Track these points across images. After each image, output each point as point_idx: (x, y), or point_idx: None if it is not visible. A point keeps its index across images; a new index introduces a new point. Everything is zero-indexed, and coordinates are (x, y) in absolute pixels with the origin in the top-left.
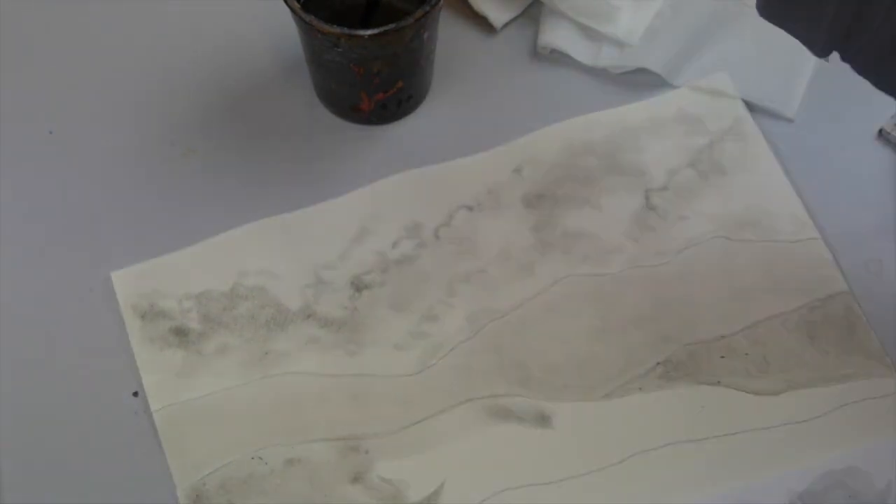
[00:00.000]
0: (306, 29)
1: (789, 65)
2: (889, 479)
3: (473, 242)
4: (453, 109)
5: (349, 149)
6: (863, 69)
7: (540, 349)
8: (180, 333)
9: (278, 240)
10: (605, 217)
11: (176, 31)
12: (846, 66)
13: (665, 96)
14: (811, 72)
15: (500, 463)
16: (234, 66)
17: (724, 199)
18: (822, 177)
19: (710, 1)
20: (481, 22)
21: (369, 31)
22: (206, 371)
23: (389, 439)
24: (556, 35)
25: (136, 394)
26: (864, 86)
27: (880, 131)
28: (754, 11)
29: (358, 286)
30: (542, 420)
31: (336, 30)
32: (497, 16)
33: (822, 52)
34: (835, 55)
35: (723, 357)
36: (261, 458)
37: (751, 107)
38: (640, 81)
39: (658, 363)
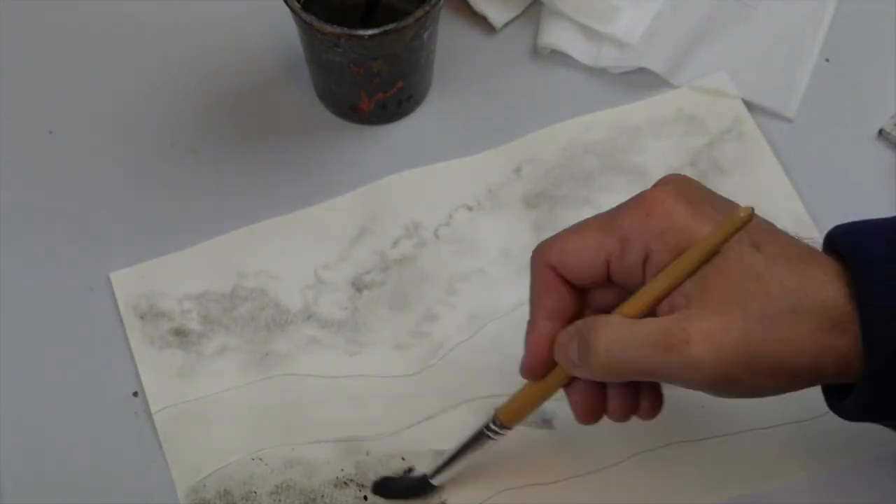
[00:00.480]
0: (306, 29)
1: (789, 64)
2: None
3: (473, 242)
4: (453, 109)
5: (349, 149)
6: None
7: None
8: (180, 334)
9: (278, 241)
10: None
11: (176, 32)
12: (845, 67)
13: (665, 96)
14: (810, 71)
15: (501, 463)
16: (234, 66)
17: None
18: (822, 177)
19: (710, 1)
20: (481, 22)
21: (369, 31)
22: (207, 372)
23: (390, 440)
24: (556, 35)
25: (135, 394)
26: (864, 86)
27: (880, 131)
28: (754, 11)
29: (358, 286)
30: (543, 420)
31: (336, 30)
32: (497, 16)
33: None
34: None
35: None
36: (261, 460)
37: (750, 106)
38: (640, 81)
39: None
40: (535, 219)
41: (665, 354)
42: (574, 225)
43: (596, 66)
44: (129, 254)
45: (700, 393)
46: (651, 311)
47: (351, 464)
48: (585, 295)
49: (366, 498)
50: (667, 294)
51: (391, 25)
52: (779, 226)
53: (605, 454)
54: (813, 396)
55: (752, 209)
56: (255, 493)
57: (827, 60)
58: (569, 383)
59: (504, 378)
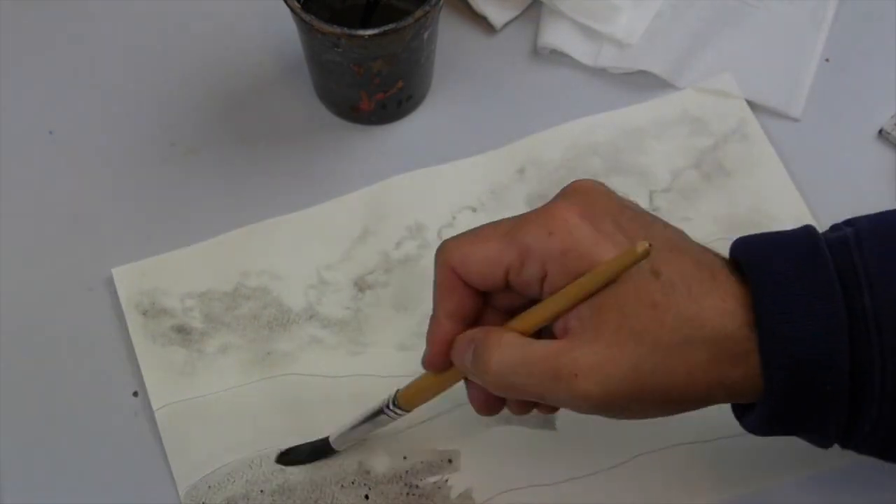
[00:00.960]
0: (306, 29)
1: (792, 64)
2: None
3: None
4: (453, 109)
5: (349, 149)
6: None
7: None
8: (182, 332)
9: (281, 240)
10: None
11: (176, 32)
12: (845, 67)
13: (669, 97)
14: (814, 70)
15: (502, 463)
16: (234, 66)
17: (728, 201)
18: (822, 177)
19: (711, 1)
20: (481, 22)
21: (369, 31)
22: (208, 370)
23: (392, 439)
24: (556, 35)
25: (135, 394)
26: (864, 86)
27: (880, 131)
28: (755, 11)
29: (361, 286)
30: (545, 421)
31: (336, 30)
32: (497, 16)
33: (826, 446)
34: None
35: None
36: (262, 458)
37: (754, 107)
38: (641, 82)
39: None
40: None
41: (553, 383)
42: (478, 229)
43: (596, 66)
44: (130, 254)
45: None
46: (545, 328)
47: (353, 463)
48: (487, 294)
49: (367, 497)
50: (560, 315)
51: (391, 25)
52: (782, 227)
53: (605, 455)
54: None
55: (650, 245)
56: (256, 492)
57: (827, 60)
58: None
59: None
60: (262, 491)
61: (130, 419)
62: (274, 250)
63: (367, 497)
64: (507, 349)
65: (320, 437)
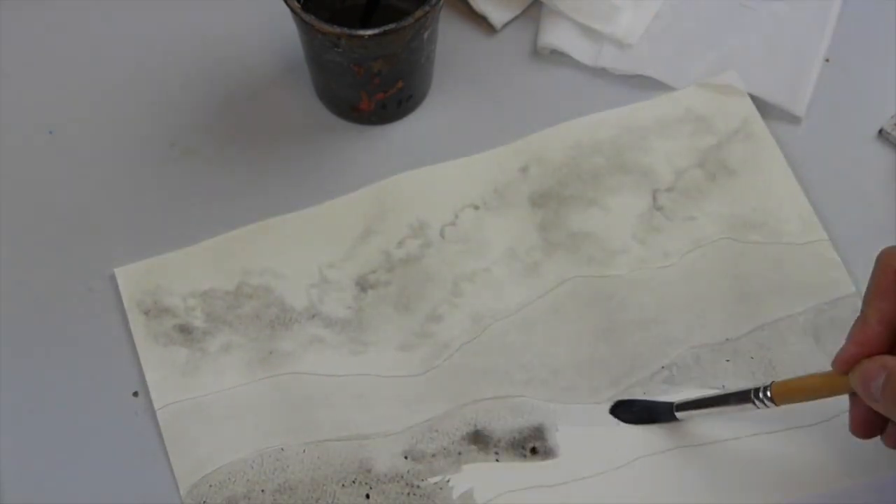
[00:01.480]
0: (306, 29)
1: (795, 62)
2: None
3: (479, 242)
4: (453, 109)
5: (349, 149)
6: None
7: (545, 350)
8: (184, 331)
9: (283, 239)
10: (611, 217)
11: (176, 32)
12: (845, 67)
13: (673, 95)
14: (818, 69)
15: (503, 464)
16: (234, 66)
17: (732, 200)
18: (822, 176)
19: (711, 2)
20: (481, 22)
21: (369, 31)
22: (210, 369)
23: (394, 439)
24: (556, 35)
25: (136, 394)
26: (863, 86)
27: (880, 131)
28: (755, 12)
29: (363, 286)
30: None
31: (336, 30)
32: (497, 16)
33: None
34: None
35: (728, 361)
36: (264, 458)
37: (759, 105)
38: (642, 82)
39: (663, 367)
40: (542, 218)
41: None
42: None
43: (596, 66)
44: (130, 254)
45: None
46: None
47: (354, 463)
48: None
49: (368, 496)
50: None
51: (391, 25)
52: (786, 227)
53: (607, 457)
54: (817, 404)
55: None
56: (257, 491)
57: (827, 60)
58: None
59: (509, 379)
60: (262, 490)
61: (131, 419)
62: (276, 249)
63: (367, 496)
64: None
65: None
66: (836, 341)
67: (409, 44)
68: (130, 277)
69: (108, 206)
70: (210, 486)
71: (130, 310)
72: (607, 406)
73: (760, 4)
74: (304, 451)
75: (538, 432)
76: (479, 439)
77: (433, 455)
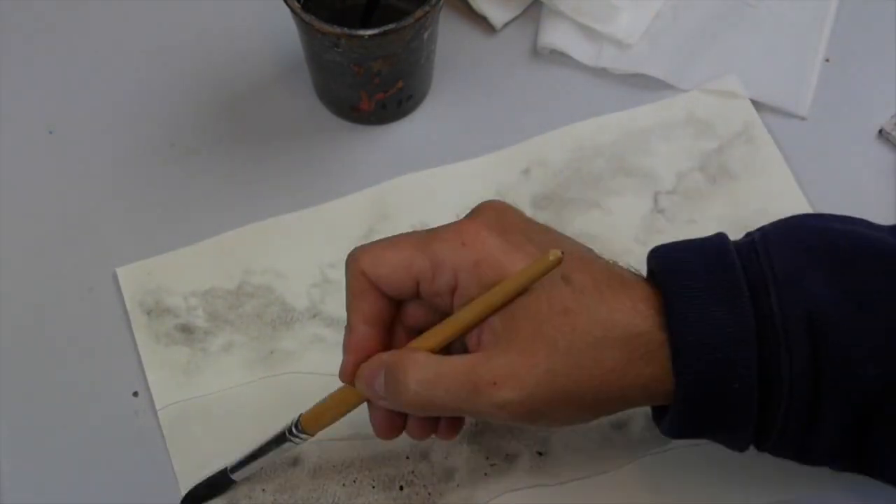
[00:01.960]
0: (306, 29)
1: (796, 62)
2: None
3: None
4: (453, 109)
5: (349, 149)
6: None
7: None
8: (186, 331)
9: (285, 238)
10: (613, 219)
11: (176, 32)
12: (845, 67)
13: (675, 100)
14: (818, 68)
15: (503, 465)
16: (234, 66)
17: (733, 204)
18: (822, 176)
19: (712, 1)
20: (481, 22)
21: (369, 31)
22: (212, 369)
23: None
24: (556, 35)
25: (135, 394)
26: (863, 86)
27: (880, 131)
28: (756, 11)
29: None
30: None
31: (336, 30)
32: (497, 16)
33: (742, 448)
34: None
35: None
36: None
37: (759, 107)
38: (642, 82)
39: None
40: (544, 221)
41: (472, 395)
42: (391, 237)
43: (596, 66)
44: (130, 253)
45: None
46: (457, 342)
47: (355, 462)
48: (397, 306)
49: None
50: (472, 326)
51: (391, 25)
52: None
53: (609, 457)
54: None
55: (562, 253)
56: (258, 490)
57: (827, 60)
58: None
59: None
60: (263, 490)
61: (131, 419)
62: (277, 249)
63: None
64: (423, 367)
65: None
66: None
67: (409, 44)
68: (132, 277)
69: (108, 206)
70: None
71: (132, 309)
72: None
73: (759, 3)
74: (304, 450)
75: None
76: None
77: (434, 455)
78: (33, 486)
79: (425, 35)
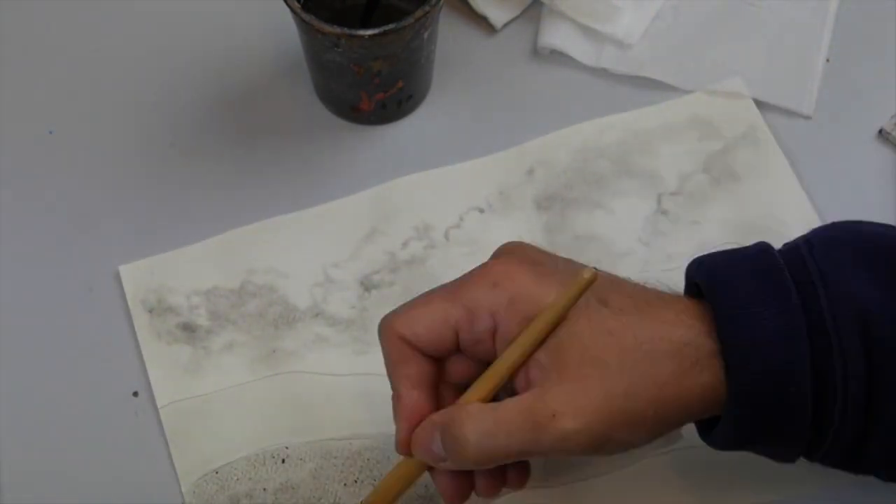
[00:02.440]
0: (306, 29)
1: (798, 61)
2: None
3: (483, 244)
4: (453, 109)
5: (349, 149)
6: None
7: None
8: (188, 329)
9: (288, 238)
10: (616, 221)
11: (176, 31)
12: (845, 67)
13: (679, 101)
14: (821, 67)
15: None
16: (234, 66)
17: (737, 206)
18: (822, 177)
19: (712, 1)
20: (481, 22)
21: (369, 31)
22: (214, 368)
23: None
24: (556, 35)
25: (135, 394)
26: (863, 86)
27: (880, 131)
28: (755, 10)
29: (367, 286)
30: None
31: (336, 30)
32: (497, 16)
33: (792, 459)
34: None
35: None
36: (266, 457)
37: (761, 105)
38: (643, 82)
39: None
40: (547, 221)
41: (534, 433)
42: (419, 296)
43: (597, 66)
44: (130, 253)
45: None
46: (505, 390)
47: (356, 462)
48: (440, 366)
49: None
50: (520, 366)
51: (391, 25)
52: (791, 233)
53: (610, 458)
54: None
55: (595, 269)
56: (259, 490)
57: (827, 61)
58: (432, 467)
59: None
60: (265, 489)
61: (132, 418)
62: (281, 248)
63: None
64: (479, 418)
65: (321, 438)
66: None
67: (409, 44)
68: (134, 275)
69: (108, 206)
70: (212, 484)
71: (134, 308)
72: None
73: (760, 2)
74: (306, 450)
75: None
76: None
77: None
78: (33, 486)
79: (425, 35)
